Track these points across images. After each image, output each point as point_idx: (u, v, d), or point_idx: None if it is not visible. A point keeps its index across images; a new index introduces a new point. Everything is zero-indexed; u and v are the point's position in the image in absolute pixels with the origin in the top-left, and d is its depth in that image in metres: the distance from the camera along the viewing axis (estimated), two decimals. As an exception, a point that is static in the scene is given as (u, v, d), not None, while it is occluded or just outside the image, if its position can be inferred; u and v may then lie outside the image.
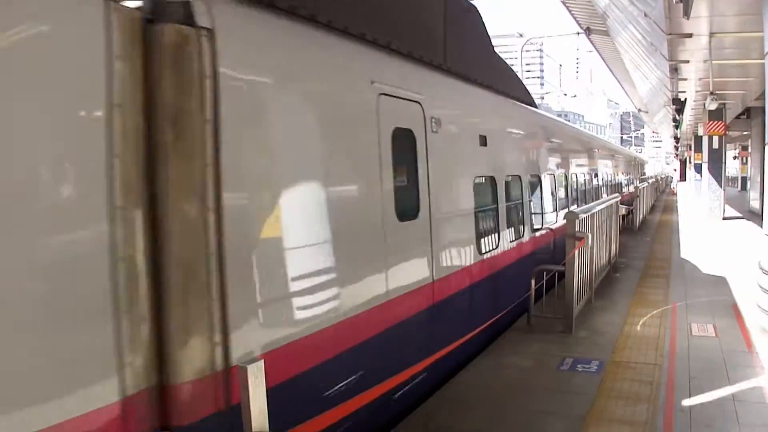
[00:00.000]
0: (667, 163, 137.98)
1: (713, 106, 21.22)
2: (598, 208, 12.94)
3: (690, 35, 15.63)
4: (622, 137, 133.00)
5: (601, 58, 36.87)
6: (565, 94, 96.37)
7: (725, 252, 19.36)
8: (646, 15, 15.44)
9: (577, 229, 10.32)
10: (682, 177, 79.30)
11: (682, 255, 18.94)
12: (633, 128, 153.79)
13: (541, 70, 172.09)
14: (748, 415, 6.82)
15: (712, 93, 19.14)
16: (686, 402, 7.24)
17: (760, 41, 16.16)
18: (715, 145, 30.58)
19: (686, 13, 8.10)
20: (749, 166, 50.59)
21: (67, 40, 3.55)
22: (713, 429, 6.51)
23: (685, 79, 21.68)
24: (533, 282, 10.72)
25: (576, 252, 10.32)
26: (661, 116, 52.23)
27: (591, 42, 33.04)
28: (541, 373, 8.32)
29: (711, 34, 15.60)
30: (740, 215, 32.32)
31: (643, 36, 20.09)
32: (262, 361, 3.36)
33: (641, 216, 28.85)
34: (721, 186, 30.70)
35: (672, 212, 38.34)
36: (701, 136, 40.69)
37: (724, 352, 9.13)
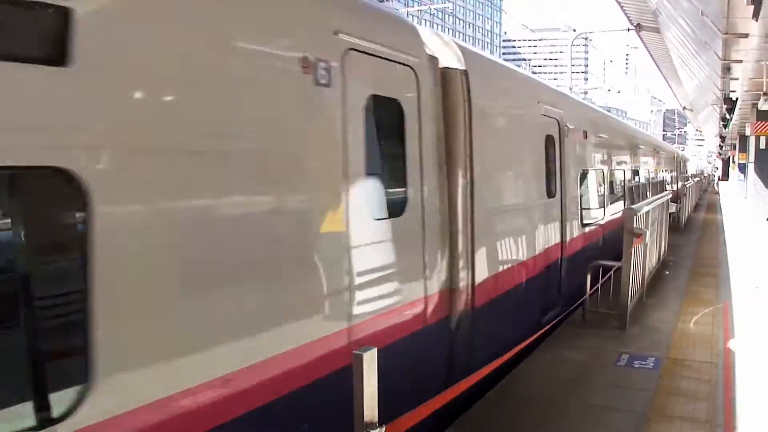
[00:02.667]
0: (709, 162, 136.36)
1: (766, 107, 21.05)
2: (652, 205, 12.97)
3: (746, 35, 15.55)
4: (664, 134, 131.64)
5: (650, 54, 36.56)
6: (609, 90, 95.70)
7: (773, 254, 19.26)
8: (703, 13, 15.36)
9: (635, 225, 10.40)
10: (724, 176, 78.46)
11: (729, 255, 18.85)
12: (677, 126, 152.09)
13: (586, 65, 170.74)
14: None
15: (765, 93, 18.99)
16: (745, 400, 7.33)
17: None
18: (763, 146, 30.30)
19: (755, 15, 8.14)
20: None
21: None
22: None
23: (736, 79, 21.54)
24: (589, 277, 10.84)
25: (633, 248, 10.41)
26: (705, 114, 51.77)
27: (640, 38, 32.78)
28: (598, 369, 8.45)
29: (766, 35, 15.51)
30: (787, 217, 31.96)
31: (695, 33, 19.98)
32: (375, 349, 3.54)
33: (686, 214, 28.66)
34: (767, 187, 30.41)
35: (716, 212, 37.98)
36: (747, 136, 40.34)
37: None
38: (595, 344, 9.46)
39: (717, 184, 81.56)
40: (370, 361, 3.49)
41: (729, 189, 60.33)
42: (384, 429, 3.56)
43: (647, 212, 11.89)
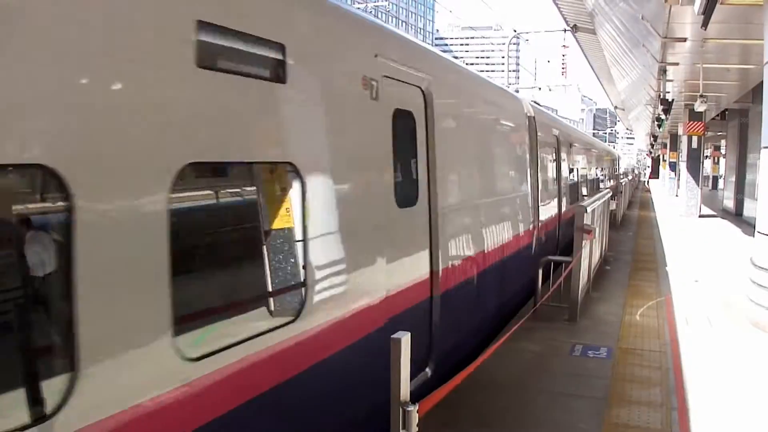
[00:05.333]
0: (638, 161, 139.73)
1: (702, 108, 21.86)
2: (597, 202, 13.49)
3: (684, 39, 16.21)
4: (594, 132, 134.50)
5: (584, 55, 37.44)
6: (540, 89, 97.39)
7: (706, 248, 20.12)
8: (642, 18, 15.96)
9: (586, 222, 10.85)
10: (654, 174, 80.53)
11: (666, 250, 19.59)
12: (608, 124, 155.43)
13: (517, 64, 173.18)
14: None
15: (701, 95, 19.77)
16: (694, 385, 7.79)
17: (741, 47, 16.93)
18: (694, 145, 31.40)
19: (704, 25, 8.62)
20: (720, 166, 51.81)
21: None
22: (721, 407, 7.09)
23: (671, 81, 22.31)
24: (540, 272, 11.26)
25: (582, 243, 10.86)
26: (636, 113, 53.08)
27: (576, 39, 33.58)
28: (556, 359, 8.85)
29: (704, 40, 16.17)
30: (715, 213, 33.15)
31: (630, 33, 20.64)
32: (409, 334, 3.95)
33: (622, 212, 29.52)
34: (698, 185, 31.52)
35: (649, 209, 39.13)
36: (678, 136, 41.61)
37: (718, 340, 9.77)
38: (548, 336, 9.86)
39: (647, 182, 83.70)
40: (405, 345, 3.81)
41: (660, 187, 62.08)
42: (417, 406, 3.88)
43: (593, 210, 12.37)
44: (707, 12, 7.31)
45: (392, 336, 3.92)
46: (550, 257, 11.92)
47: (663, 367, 8.46)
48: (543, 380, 7.99)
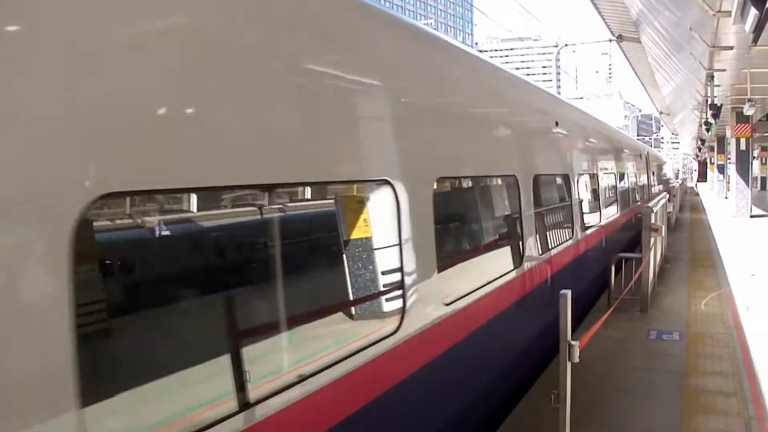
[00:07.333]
0: (684, 165, 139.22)
1: (751, 112, 22.73)
2: (659, 204, 14.56)
3: (731, 48, 17.19)
4: (640, 138, 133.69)
5: (629, 62, 38.36)
6: (581, 98, 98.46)
7: (759, 246, 21.06)
8: (691, 29, 16.97)
9: (652, 221, 11.96)
10: (701, 177, 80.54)
11: (721, 249, 20.50)
12: (654, 130, 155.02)
13: (558, 73, 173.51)
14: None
15: (749, 99, 20.67)
16: (759, 359, 8.86)
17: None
18: (743, 147, 32.11)
19: (755, 41, 9.61)
20: (770, 166, 52.15)
21: None
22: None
23: (719, 86, 23.21)
24: (613, 268, 12.39)
25: (651, 241, 11.96)
26: (681, 117, 53.65)
27: (621, 48, 34.55)
28: (635, 342, 9.96)
29: (750, 47, 17.10)
30: (765, 213, 33.71)
31: (674, 40, 21.59)
32: (570, 291, 5.39)
33: (675, 215, 30.32)
34: (748, 186, 32.18)
35: (700, 211, 39.78)
36: (725, 138, 42.20)
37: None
38: (624, 325, 10.95)
39: (696, 185, 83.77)
40: (568, 299, 5.34)
41: (708, 189, 62.35)
42: (578, 343, 5.15)
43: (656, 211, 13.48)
44: (758, 30, 8.30)
45: (560, 292, 5.34)
46: (621, 254, 13.08)
47: (730, 346, 9.54)
48: (626, 359, 9.11)
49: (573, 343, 5.43)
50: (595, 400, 7.50)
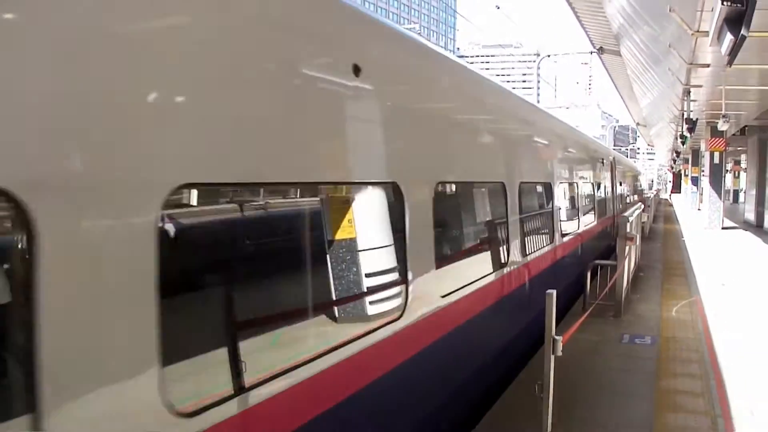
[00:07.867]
0: (659, 176, 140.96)
1: (725, 127, 23.41)
2: (635, 214, 15.12)
3: (708, 65, 17.80)
4: (617, 149, 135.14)
5: (608, 74, 39.08)
6: (559, 108, 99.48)
7: (730, 257, 21.82)
8: (670, 46, 17.54)
9: (627, 230, 12.49)
10: (675, 189, 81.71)
11: (693, 259, 21.15)
12: (630, 141, 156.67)
13: (538, 81, 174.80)
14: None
15: (724, 115, 21.31)
16: (726, 363, 9.39)
17: (759, 71, 18.55)
18: (716, 160, 32.89)
19: (730, 63, 10.15)
20: (741, 179, 53.20)
21: None
22: (747, 377, 8.68)
23: (695, 101, 23.86)
24: (589, 274, 12.90)
25: (626, 249, 12.49)
26: (657, 129, 54.47)
27: (601, 60, 35.23)
28: (609, 345, 10.47)
29: (725, 65, 17.68)
30: (737, 225, 34.55)
31: (653, 53, 22.19)
32: (555, 291, 5.96)
33: (648, 224, 31.01)
34: (720, 198, 32.94)
35: (673, 222, 40.61)
36: (699, 151, 43.06)
37: (743, 331, 11.37)
38: (599, 329, 11.45)
39: (670, 196, 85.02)
40: (553, 298, 5.89)
41: (682, 201, 63.38)
42: (561, 338, 5.62)
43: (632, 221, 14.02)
44: (733, 53, 8.84)
45: (547, 291, 5.87)
46: (598, 261, 13.59)
47: (699, 350, 10.08)
48: (601, 360, 9.61)
49: (557, 337, 5.95)
50: (575, 397, 7.97)
